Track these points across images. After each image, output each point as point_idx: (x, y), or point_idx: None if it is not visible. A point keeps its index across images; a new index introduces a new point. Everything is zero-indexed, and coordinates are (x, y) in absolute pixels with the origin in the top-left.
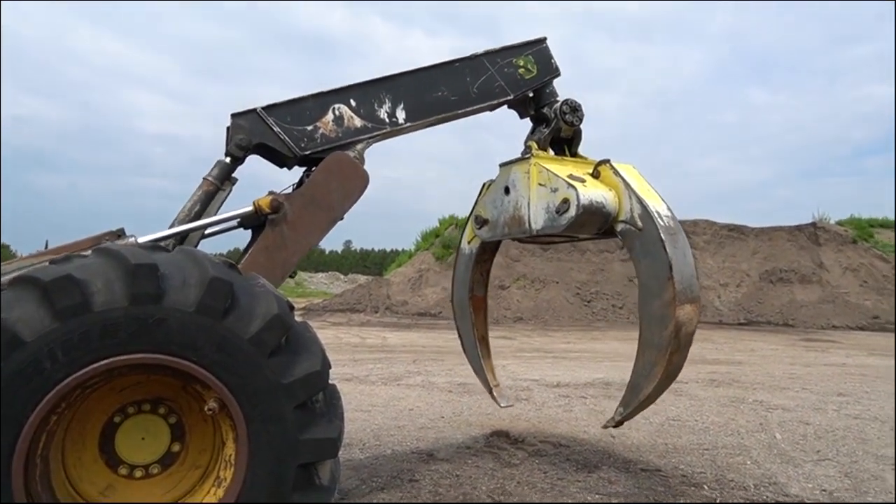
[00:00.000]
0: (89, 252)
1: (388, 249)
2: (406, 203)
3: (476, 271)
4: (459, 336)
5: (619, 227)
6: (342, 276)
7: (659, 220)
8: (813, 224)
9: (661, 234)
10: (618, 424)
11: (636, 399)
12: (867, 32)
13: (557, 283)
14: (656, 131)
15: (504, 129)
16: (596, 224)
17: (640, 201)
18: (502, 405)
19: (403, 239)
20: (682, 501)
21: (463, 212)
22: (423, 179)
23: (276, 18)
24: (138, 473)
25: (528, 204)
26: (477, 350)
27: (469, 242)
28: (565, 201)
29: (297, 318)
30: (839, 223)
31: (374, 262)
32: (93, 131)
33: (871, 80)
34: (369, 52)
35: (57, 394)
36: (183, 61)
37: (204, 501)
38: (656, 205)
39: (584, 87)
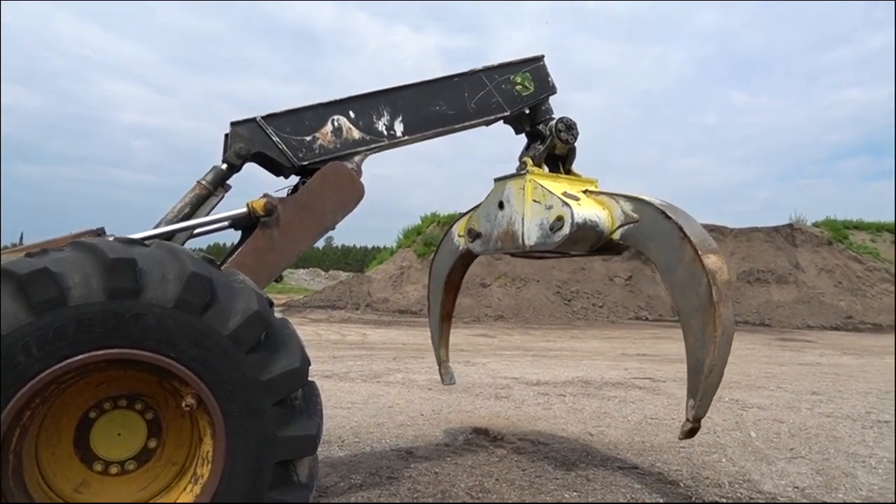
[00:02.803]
0: (66, 246)
1: (370, 246)
2: (388, 200)
3: (459, 261)
4: (428, 302)
5: (618, 234)
6: (323, 273)
7: (653, 201)
8: (790, 225)
9: (660, 209)
10: (695, 425)
11: (701, 378)
12: (844, 37)
13: (538, 281)
14: (640, 131)
15: (488, 129)
16: (589, 242)
17: (629, 198)
18: (445, 382)
19: (385, 236)
20: (659, 498)
21: (445, 210)
22: (405, 177)
23: (261, 10)
24: (114, 470)
25: (522, 220)
26: (439, 325)
27: (460, 236)
28: (559, 218)
29: (277, 315)
30: (815, 225)
31: (356, 259)
32: (71, 121)
33: (848, 85)
34: (354, 47)
35: (31, 389)
36: (164, 52)
37: (180, 498)
38: (646, 196)
39: (569, 87)
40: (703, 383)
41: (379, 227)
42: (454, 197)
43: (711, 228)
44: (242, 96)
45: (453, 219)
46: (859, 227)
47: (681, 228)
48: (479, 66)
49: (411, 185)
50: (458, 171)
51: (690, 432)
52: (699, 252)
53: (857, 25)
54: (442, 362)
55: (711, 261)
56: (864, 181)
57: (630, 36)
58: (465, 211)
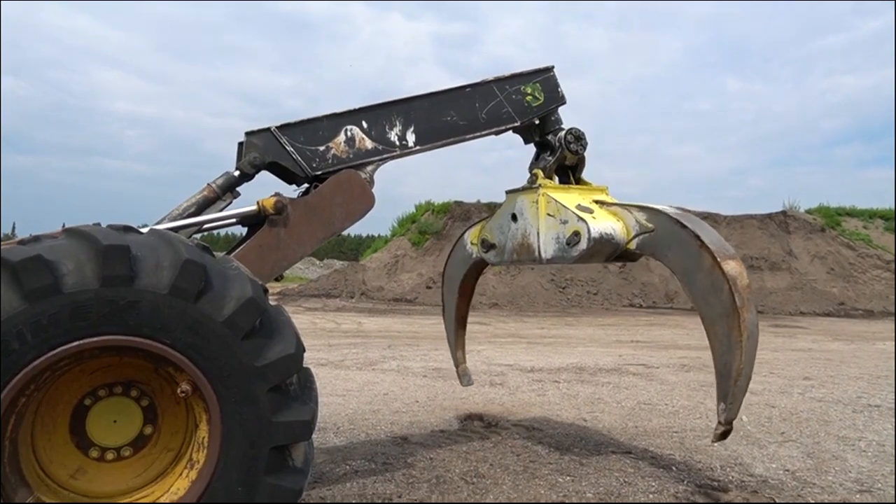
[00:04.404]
0: (60, 234)
1: (365, 235)
2: (383, 188)
3: (473, 268)
4: (443, 306)
5: (634, 243)
6: (318, 262)
7: (667, 210)
8: (783, 212)
9: (675, 217)
10: (727, 427)
11: (730, 382)
12: (838, 23)
13: (533, 269)
14: (633, 118)
15: None
16: (605, 254)
17: (642, 208)
18: (463, 383)
19: (380, 224)
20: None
21: (439, 197)
22: (399, 165)
23: None
24: (110, 456)
25: (538, 233)
26: (454, 327)
27: (473, 244)
28: (576, 234)
29: (271, 302)
30: (808, 211)
31: (350, 248)
32: (63, 111)
33: (841, 71)
34: (347, 34)
35: (26, 376)
36: (155, 40)
37: (176, 483)
38: (658, 205)
39: (562, 74)
40: (732, 387)
41: (373, 216)
42: (448, 184)
43: (705, 215)
44: (236, 85)
45: (447, 207)
46: (852, 213)
47: (697, 236)
48: (486, 72)
49: (405, 172)
50: (451, 159)
51: (723, 435)
52: (718, 259)
53: (849, 13)
54: (459, 364)
55: (731, 266)
56: (857, 168)
57: (624, 22)
58: (457, 198)
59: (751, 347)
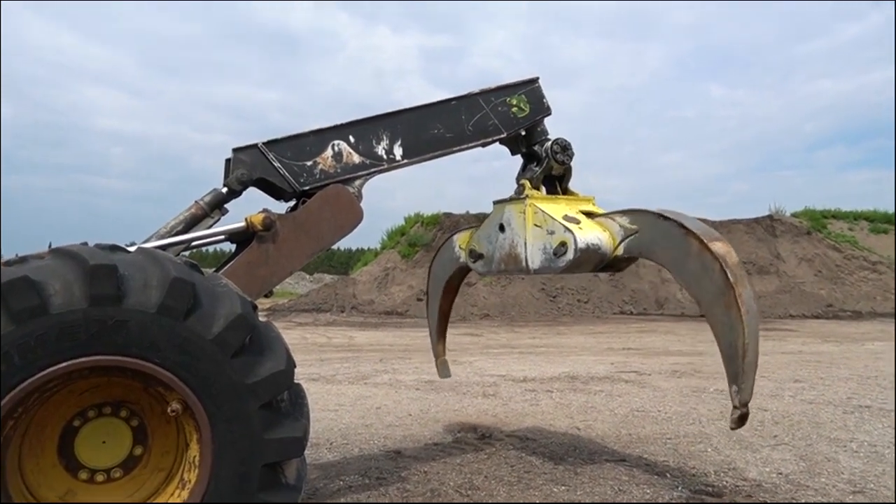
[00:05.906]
0: (47, 254)
1: (354, 248)
2: (371, 201)
3: (459, 270)
4: (427, 299)
5: (621, 248)
6: (308, 276)
7: (648, 209)
8: (769, 216)
9: (657, 212)
10: (743, 410)
11: (738, 361)
12: (818, 28)
13: (523, 279)
14: (620, 127)
15: None
16: (592, 263)
17: (624, 212)
18: (441, 375)
19: (369, 237)
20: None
21: (428, 210)
22: (388, 178)
23: (237, 12)
24: (99, 478)
25: (525, 244)
26: (437, 321)
27: (461, 248)
28: (563, 244)
29: (261, 318)
30: (794, 215)
31: (340, 262)
32: (46, 129)
33: (823, 76)
34: (333, 48)
35: (13, 398)
36: (140, 57)
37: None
38: (639, 207)
39: (547, 84)
40: (742, 365)
41: (362, 229)
42: (437, 196)
43: None
44: (222, 101)
45: (437, 219)
46: (837, 216)
47: (681, 224)
48: (471, 84)
49: (394, 185)
50: (439, 171)
51: (741, 419)
52: (705, 241)
53: (831, 16)
54: (438, 357)
55: (718, 247)
56: (839, 171)
57: (609, 32)
58: (446, 210)
59: (752, 322)
